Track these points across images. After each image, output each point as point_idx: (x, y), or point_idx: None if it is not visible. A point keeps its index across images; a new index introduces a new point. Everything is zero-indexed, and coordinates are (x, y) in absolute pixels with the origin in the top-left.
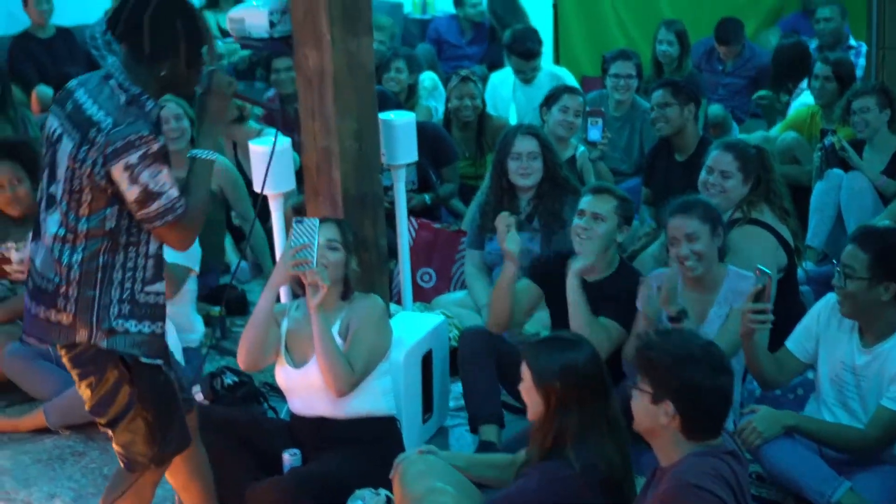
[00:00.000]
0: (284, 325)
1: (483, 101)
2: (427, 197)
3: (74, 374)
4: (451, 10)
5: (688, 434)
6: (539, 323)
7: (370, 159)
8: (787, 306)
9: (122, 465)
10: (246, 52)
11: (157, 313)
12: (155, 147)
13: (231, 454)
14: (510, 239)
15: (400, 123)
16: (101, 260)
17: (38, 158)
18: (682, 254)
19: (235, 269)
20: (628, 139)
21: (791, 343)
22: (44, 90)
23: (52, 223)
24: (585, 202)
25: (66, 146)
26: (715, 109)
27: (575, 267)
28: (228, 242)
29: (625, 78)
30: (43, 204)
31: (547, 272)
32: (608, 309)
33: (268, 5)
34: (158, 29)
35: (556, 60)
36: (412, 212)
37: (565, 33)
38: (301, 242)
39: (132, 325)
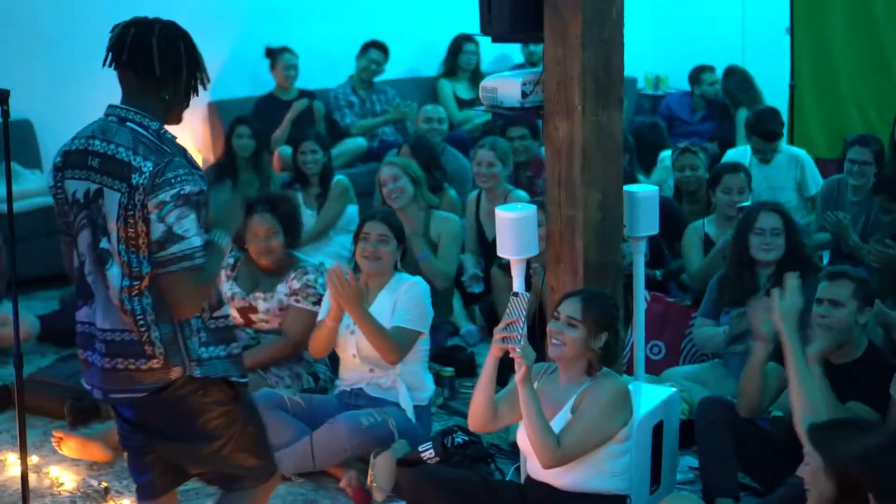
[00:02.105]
0: (535, 385)
1: (708, 173)
2: (658, 273)
3: (171, 414)
4: (685, 86)
5: None
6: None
7: (613, 230)
8: None
9: (228, 489)
10: (482, 120)
11: (230, 336)
12: (187, 188)
13: None
14: (765, 321)
15: (643, 196)
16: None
17: (296, 213)
18: None
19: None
20: (864, 225)
21: None
22: (285, 150)
23: (114, 278)
24: (822, 289)
25: (111, 198)
26: None
27: (811, 352)
28: (458, 302)
29: (860, 164)
30: (89, 266)
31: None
32: (856, 394)
33: (521, 76)
34: (166, 50)
35: (791, 141)
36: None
37: (801, 114)
38: (512, 316)
39: (214, 351)
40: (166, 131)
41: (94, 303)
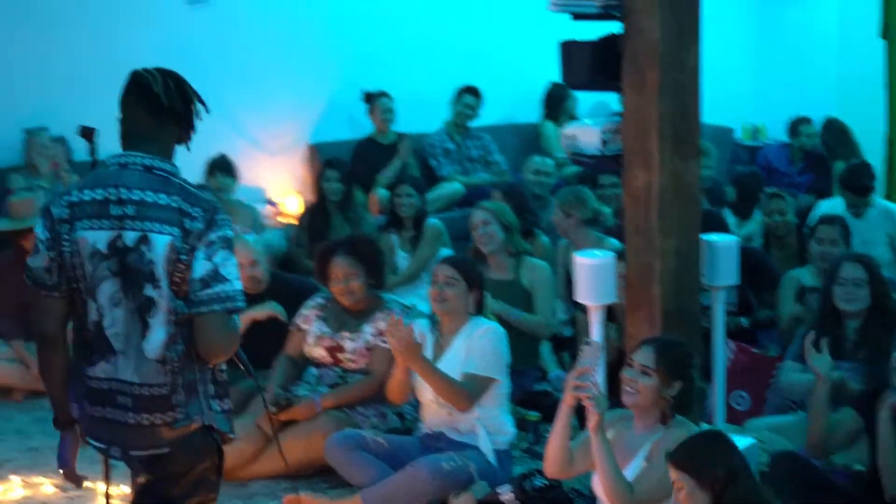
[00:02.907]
0: (609, 433)
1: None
2: (744, 320)
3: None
4: (783, 138)
5: None
6: (852, 457)
7: (690, 278)
8: None
9: None
10: (572, 170)
11: (228, 391)
12: (230, 233)
13: None
14: (815, 357)
15: (722, 245)
16: (189, 344)
17: (377, 255)
18: None
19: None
20: None
21: None
22: (382, 193)
23: (158, 326)
24: None
25: (160, 243)
26: None
27: (891, 401)
28: (546, 347)
29: None
30: (115, 317)
31: (868, 406)
32: None
33: (601, 124)
34: (183, 98)
35: (888, 195)
36: (730, 334)
37: None
38: (585, 365)
39: (219, 405)
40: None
41: (118, 357)
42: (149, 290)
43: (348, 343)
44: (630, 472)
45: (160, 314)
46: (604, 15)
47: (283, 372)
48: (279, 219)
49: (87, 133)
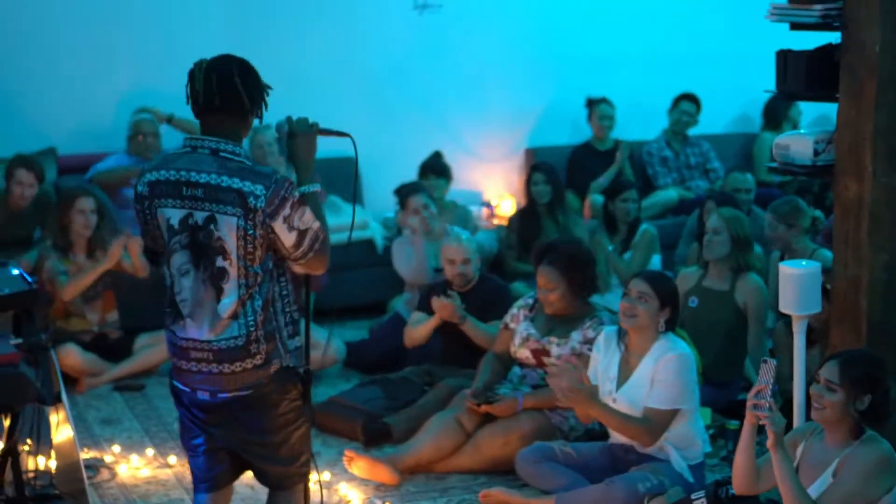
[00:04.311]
0: (799, 448)
1: None
2: None
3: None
4: None
5: None
6: None
7: None
8: None
9: (277, 488)
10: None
11: (298, 329)
12: (296, 194)
13: None
14: None
15: None
16: (270, 296)
17: (578, 266)
18: None
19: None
20: None
21: None
22: (596, 198)
23: (230, 291)
24: None
25: (226, 222)
26: None
27: None
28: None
29: None
30: (186, 284)
31: None
32: None
33: (814, 135)
34: (248, 84)
35: None
36: None
37: None
38: (762, 383)
39: (294, 342)
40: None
41: (185, 321)
42: (220, 262)
43: (555, 349)
44: (818, 487)
45: (232, 280)
46: (822, 25)
47: (489, 369)
48: (493, 221)
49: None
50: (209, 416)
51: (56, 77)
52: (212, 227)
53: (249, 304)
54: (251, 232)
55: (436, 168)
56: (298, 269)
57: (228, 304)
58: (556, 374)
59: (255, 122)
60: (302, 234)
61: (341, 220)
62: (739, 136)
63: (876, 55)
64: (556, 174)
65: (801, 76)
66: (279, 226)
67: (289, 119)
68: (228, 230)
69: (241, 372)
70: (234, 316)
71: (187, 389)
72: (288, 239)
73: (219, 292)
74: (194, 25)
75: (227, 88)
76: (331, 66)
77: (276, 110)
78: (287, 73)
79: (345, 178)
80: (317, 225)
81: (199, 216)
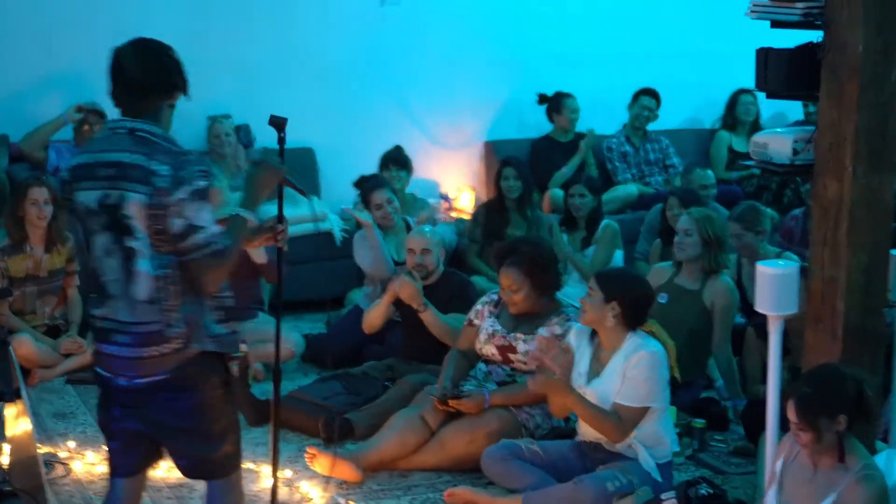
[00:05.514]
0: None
1: None
2: None
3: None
4: None
5: None
6: None
7: (877, 295)
8: None
9: (209, 478)
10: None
11: (235, 315)
12: (202, 184)
13: None
14: None
15: None
16: (184, 283)
17: (542, 264)
18: None
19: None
20: None
21: None
22: (556, 193)
23: (143, 272)
24: None
25: (136, 201)
26: None
27: None
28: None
29: None
30: (107, 265)
31: None
32: None
33: (793, 133)
34: (153, 67)
35: None
36: None
37: None
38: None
39: (226, 328)
40: (170, 136)
41: (113, 301)
42: (130, 242)
43: (521, 345)
44: None
45: (144, 261)
46: (804, 23)
47: (454, 366)
48: (451, 213)
49: (278, 122)
50: (127, 401)
51: (6, 64)
52: (123, 205)
53: (165, 286)
54: (158, 211)
55: (398, 160)
56: (192, 269)
57: (143, 286)
58: (544, 347)
59: (222, 111)
60: (191, 228)
61: (299, 212)
62: (697, 133)
63: (858, 56)
64: (526, 169)
65: (781, 75)
66: (172, 208)
67: (265, 150)
68: (137, 210)
69: (158, 356)
70: (150, 299)
71: (108, 375)
72: (175, 225)
73: (134, 274)
74: (150, 18)
75: (132, 70)
76: (291, 58)
77: (235, 101)
78: (246, 65)
79: (302, 169)
80: (216, 231)
81: (114, 195)
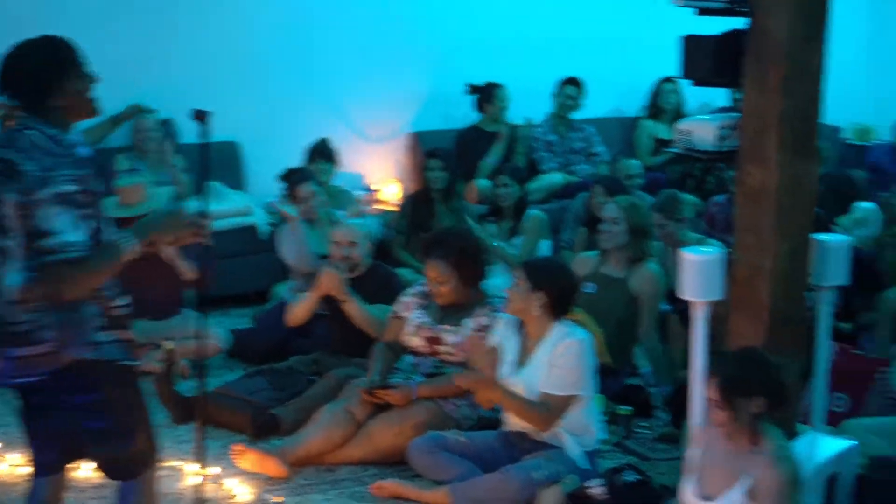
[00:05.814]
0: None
1: None
2: (847, 326)
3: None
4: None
5: None
6: None
7: (800, 280)
8: None
9: (123, 478)
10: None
11: (124, 323)
12: (65, 188)
13: None
14: None
15: (834, 246)
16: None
17: (469, 255)
18: None
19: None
20: None
21: None
22: (482, 182)
23: (12, 273)
24: None
25: (7, 198)
26: None
27: None
28: (640, 347)
29: None
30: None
31: None
32: None
33: (718, 120)
34: (20, 68)
35: None
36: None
37: None
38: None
39: (109, 336)
40: (64, 134)
41: None
42: (4, 241)
43: (449, 336)
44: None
45: (15, 261)
46: (729, 11)
47: (382, 359)
48: (376, 206)
49: (201, 116)
50: (35, 401)
51: None
52: (3, 205)
53: (35, 289)
54: (27, 211)
55: (324, 152)
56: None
57: (12, 286)
58: (471, 348)
59: (156, 107)
60: (46, 231)
61: (224, 206)
62: (622, 121)
63: (782, 42)
64: (452, 160)
65: (706, 62)
66: (34, 208)
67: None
68: (8, 207)
69: (30, 357)
70: (21, 299)
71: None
72: (33, 225)
73: (6, 274)
74: (67, 14)
75: (16, 72)
76: (212, 49)
77: (158, 96)
78: (168, 57)
79: (226, 163)
80: (67, 239)
81: None
